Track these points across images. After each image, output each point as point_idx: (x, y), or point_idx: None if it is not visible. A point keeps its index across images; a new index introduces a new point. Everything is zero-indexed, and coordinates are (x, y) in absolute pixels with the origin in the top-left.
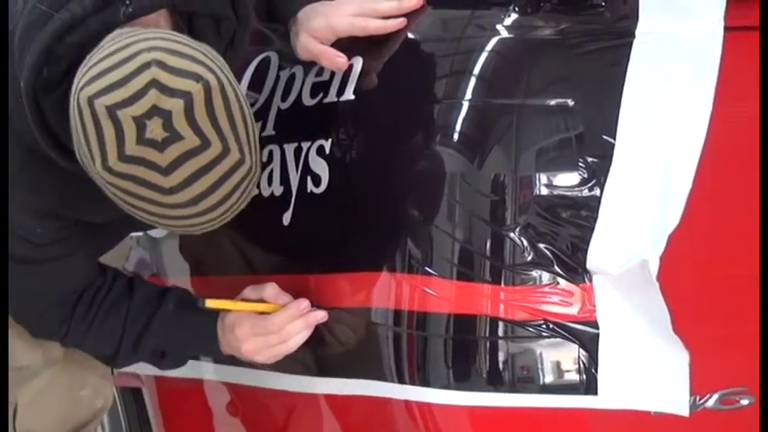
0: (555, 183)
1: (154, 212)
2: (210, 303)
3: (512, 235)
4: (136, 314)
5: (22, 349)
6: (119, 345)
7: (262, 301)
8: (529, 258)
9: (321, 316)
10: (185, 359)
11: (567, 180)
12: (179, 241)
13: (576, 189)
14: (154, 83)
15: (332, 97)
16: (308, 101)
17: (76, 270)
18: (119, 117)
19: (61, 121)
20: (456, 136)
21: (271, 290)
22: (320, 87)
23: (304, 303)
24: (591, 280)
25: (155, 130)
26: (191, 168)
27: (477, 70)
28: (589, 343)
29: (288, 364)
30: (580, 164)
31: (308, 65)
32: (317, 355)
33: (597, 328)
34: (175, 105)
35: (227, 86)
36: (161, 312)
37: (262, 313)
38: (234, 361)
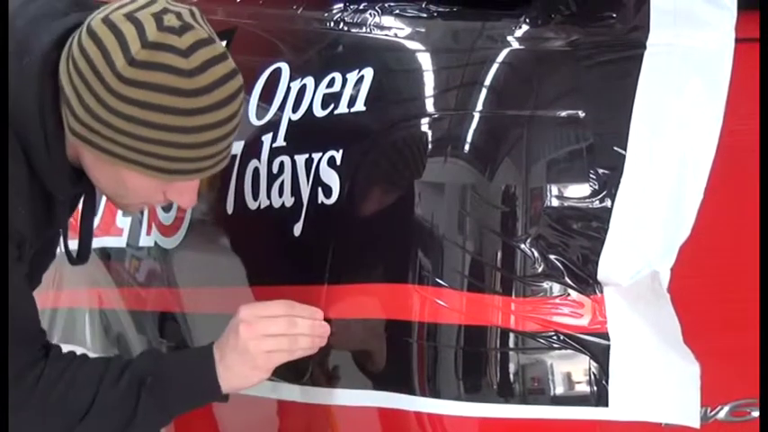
0: (566, 194)
1: (170, 125)
2: None
3: (522, 246)
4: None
5: None
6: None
7: None
8: (540, 270)
9: (327, 329)
10: (170, 402)
11: (578, 191)
12: (190, 252)
13: (587, 200)
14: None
15: (343, 108)
16: (318, 112)
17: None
18: (137, 17)
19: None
20: (466, 147)
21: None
22: (331, 99)
23: (320, 313)
24: (602, 291)
25: (171, 20)
26: (206, 54)
27: (487, 82)
28: (600, 354)
29: (297, 375)
30: (591, 175)
31: (320, 76)
32: (326, 366)
33: (608, 339)
34: (183, 9)
35: None
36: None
37: None
38: None
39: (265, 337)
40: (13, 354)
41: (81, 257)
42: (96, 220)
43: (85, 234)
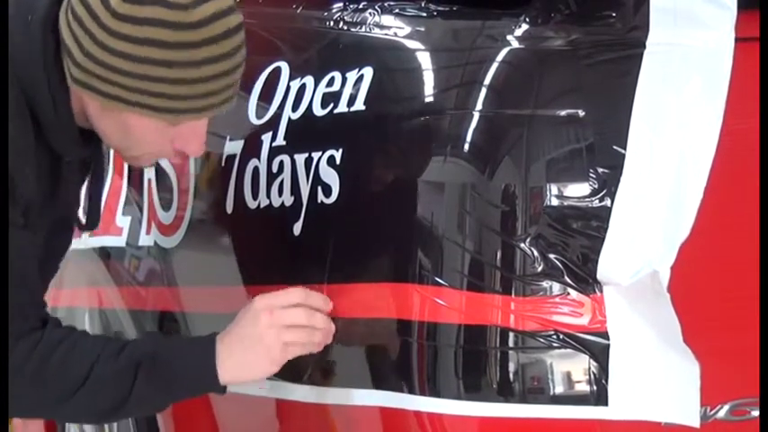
0: (565, 193)
1: (169, 60)
2: None
3: (522, 245)
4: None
5: None
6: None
7: None
8: (539, 269)
9: (333, 325)
10: (166, 386)
11: (578, 190)
12: (189, 251)
13: (587, 199)
14: None
15: (342, 107)
16: (318, 111)
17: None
18: None
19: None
20: (466, 146)
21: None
22: (331, 98)
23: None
24: (601, 291)
25: None
26: None
27: (487, 81)
28: (599, 354)
29: (297, 374)
30: (591, 174)
31: (319, 75)
32: (325, 365)
33: (608, 338)
34: None
35: None
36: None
37: None
38: None
39: (285, 327)
40: (12, 318)
41: (90, 223)
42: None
43: (94, 199)
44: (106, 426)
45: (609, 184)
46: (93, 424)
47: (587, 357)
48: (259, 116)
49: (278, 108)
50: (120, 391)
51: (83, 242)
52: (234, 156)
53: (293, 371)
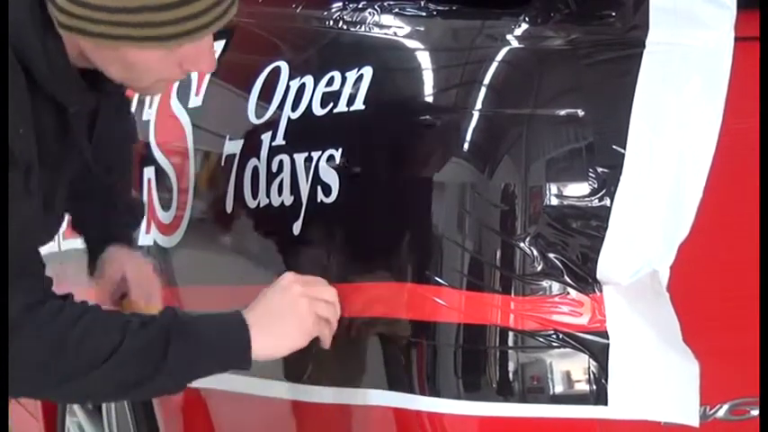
0: (565, 193)
1: None
2: None
3: (522, 245)
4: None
5: None
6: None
7: None
8: (539, 268)
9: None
10: (197, 354)
11: (578, 190)
12: (189, 251)
13: (587, 199)
14: None
15: (342, 107)
16: (318, 111)
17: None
18: None
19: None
20: (466, 146)
21: None
22: (330, 97)
23: None
24: (601, 290)
25: None
26: None
27: (487, 80)
28: (599, 353)
29: (296, 373)
30: (590, 174)
31: (319, 74)
32: (324, 365)
33: (607, 338)
34: None
35: None
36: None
37: None
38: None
39: (318, 300)
40: (20, 287)
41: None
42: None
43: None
44: (106, 426)
45: (608, 184)
46: (111, 401)
47: (587, 357)
48: (259, 116)
49: (277, 108)
50: (150, 360)
51: (83, 242)
52: (233, 155)
53: (293, 371)
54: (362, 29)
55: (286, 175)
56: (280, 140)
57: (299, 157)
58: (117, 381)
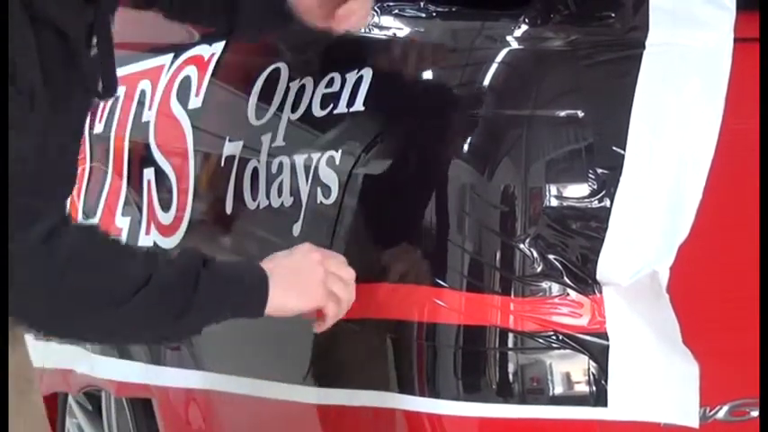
0: (565, 194)
1: None
2: None
3: (522, 246)
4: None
5: None
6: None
7: None
8: (539, 270)
9: None
10: (223, 294)
11: (577, 191)
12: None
13: (586, 200)
14: None
15: (342, 108)
16: (318, 112)
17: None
18: None
19: None
20: (466, 147)
21: None
22: (330, 98)
23: None
24: (601, 291)
25: None
26: None
27: (486, 81)
28: (599, 354)
29: (297, 375)
30: (590, 175)
31: (319, 76)
32: (324, 365)
33: (607, 339)
34: None
35: None
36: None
37: None
38: (237, 371)
39: (334, 274)
40: (51, 208)
41: (108, 90)
42: (95, 220)
43: (107, 64)
44: (106, 427)
45: (608, 185)
46: (131, 342)
47: (587, 358)
48: (258, 117)
49: (277, 109)
50: (184, 292)
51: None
52: (233, 156)
53: (293, 371)
54: (362, 30)
55: (286, 176)
56: (280, 142)
57: (299, 159)
58: (149, 313)
